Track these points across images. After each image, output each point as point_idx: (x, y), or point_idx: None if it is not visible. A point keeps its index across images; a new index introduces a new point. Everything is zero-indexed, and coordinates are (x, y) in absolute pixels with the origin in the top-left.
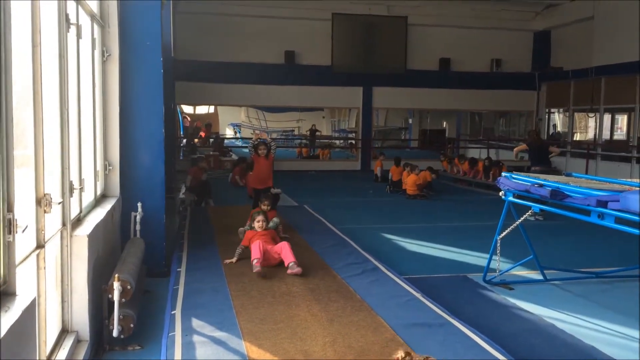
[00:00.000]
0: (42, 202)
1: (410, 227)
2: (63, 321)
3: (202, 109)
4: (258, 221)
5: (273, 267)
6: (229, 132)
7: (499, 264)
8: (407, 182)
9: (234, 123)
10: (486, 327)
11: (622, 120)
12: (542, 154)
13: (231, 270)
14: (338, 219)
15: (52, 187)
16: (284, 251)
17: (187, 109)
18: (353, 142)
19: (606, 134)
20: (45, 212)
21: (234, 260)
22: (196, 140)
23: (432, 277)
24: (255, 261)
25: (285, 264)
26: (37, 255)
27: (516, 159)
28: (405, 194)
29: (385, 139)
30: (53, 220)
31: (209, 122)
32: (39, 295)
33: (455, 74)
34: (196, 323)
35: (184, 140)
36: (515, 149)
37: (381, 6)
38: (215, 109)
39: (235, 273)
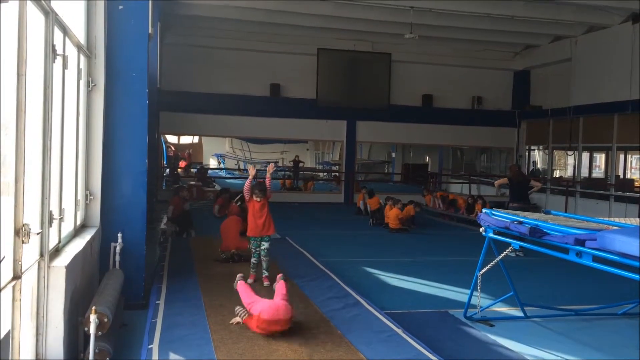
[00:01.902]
0: (20, 232)
1: (392, 261)
2: (37, 354)
3: (186, 139)
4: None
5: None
6: (212, 163)
7: (480, 300)
8: (389, 216)
9: (218, 153)
10: None
11: (600, 158)
12: (522, 189)
13: (211, 302)
14: (320, 252)
15: (32, 216)
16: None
17: (172, 138)
18: (337, 174)
19: (585, 172)
20: (23, 242)
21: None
22: (180, 169)
23: (413, 313)
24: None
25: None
26: (13, 287)
27: (497, 193)
28: (387, 228)
29: (369, 172)
30: (31, 251)
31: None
32: (13, 328)
33: (438, 110)
34: (174, 357)
35: (167, 170)
36: (496, 182)
37: (366, 43)
38: (200, 140)
39: (215, 305)
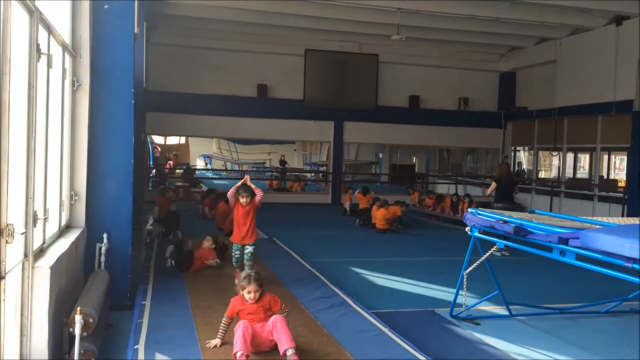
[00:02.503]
0: (4, 232)
1: (379, 261)
2: (21, 355)
3: (173, 140)
4: (249, 292)
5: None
6: (199, 163)
7: (466, 299)
8: (376, 217)
9: (205, 154)
10: None
11: (585, 159)
12: (508, 190)
13: (197, 303)
14: (307, 252)
15: (16, 216)
16: (278, 331)
17: (158, 139)
18: (324, 175)
19: (569, 172)
20: (7, 242)
21: (218, 343)
22: (168, 165)
23: (399, 312)
24: (239, 354)
25: (280, 352)
26: None
27: (487, 194)
28: (374, 228)
29: (356, 173)
30: (15, 251)
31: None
32: None
33: (424, 111)
34: (159, 358)
35: (154, 171)
36: (489, 191)
37: (353, 44)
38: (187, 140)
39: (201, 306)
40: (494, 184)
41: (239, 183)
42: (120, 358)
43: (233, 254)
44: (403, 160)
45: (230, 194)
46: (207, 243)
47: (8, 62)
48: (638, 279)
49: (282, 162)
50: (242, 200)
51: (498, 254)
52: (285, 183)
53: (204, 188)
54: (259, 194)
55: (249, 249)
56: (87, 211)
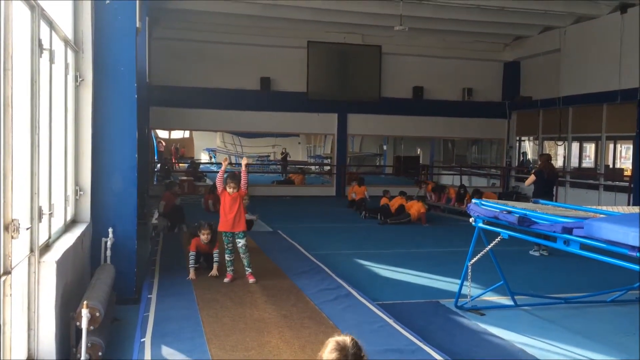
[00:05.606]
0: (9, 227)
1: (384, 252)
2: (29, 349)
3: (177, 134)
4: None
5: (246, 293)
6: (204, 157)
7: (470, 289)
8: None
9: (209, 148)
10: (457, 353)
11: (590, 148)
12: (550, 185)
13: (202, 296)
14: (312, 245)
15: (21, 212)
16: None
17: (163, 133)
18: (328, 167)
19: (575, 162)
20: (12, 237)
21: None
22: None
23: (404, 303)
24: None
25: None
26: (3, 282)
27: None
28: (379, 220)
29: (360, 165)
30: (20, 246)
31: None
32: (4, 323)
33: (428, 102)
34: (166, 351)
35: (158, 165)
36: (527, 183)
37: (356, 35)
38: (191, 134)
39: (207, 299)
40: (532, 177)
41: (223, 167)
42: (127, 351)
43: (226, 246)
44: (407, 151)
45: (218, 179)
46: (204, 237)
47: (10, 58)
48: None
49: (284, 156)
50: (230, 189)
51: (537, 253)
52: (285, 175)
53: (209, 182)
54: (244, 179)
55: (241, 241)
56: (92, 206)
